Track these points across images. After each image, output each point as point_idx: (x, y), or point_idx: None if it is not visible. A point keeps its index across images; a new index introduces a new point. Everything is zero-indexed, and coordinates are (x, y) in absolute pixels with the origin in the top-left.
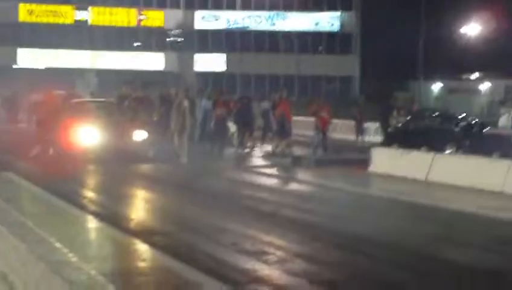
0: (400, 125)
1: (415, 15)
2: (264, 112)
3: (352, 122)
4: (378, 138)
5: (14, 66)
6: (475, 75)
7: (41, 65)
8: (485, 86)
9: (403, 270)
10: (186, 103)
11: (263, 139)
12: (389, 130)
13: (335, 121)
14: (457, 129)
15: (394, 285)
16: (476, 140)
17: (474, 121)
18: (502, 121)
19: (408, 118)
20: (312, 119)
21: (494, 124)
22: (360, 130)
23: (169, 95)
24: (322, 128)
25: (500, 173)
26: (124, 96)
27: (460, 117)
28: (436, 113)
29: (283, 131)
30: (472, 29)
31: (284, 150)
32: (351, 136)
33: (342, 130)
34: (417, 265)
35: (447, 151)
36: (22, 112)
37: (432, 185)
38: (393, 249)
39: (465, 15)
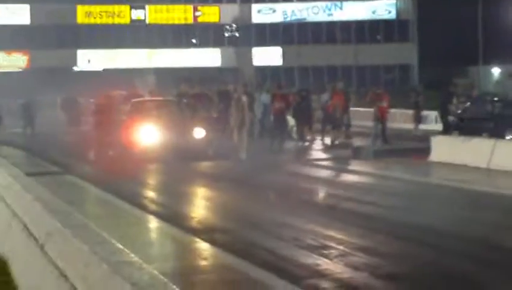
0: (460, 112)
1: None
2: (324, 104)
3: (410, 112)
4: (438, 126)
5: (75, 69)
6: None
7: (99, 67)
8: None
9: (467, 260)
10: (244, 99)
11: (323, 132)
12: (450, 117)
13: (393, 110)
14: None
15: (459, 276)
16: None
17: None
18: None
19: (468, 104)
20: (371, 109)
21: None
22: (419, 119)
23: (228, 91)
24: (381, 118)
25: None
26: (182, 94)
27: None
28: (496, 98)
29: (340, 123)
30: None
31: (343, 142)
32: (410, 126)
33: (401, 119)
34: (482, 255)
35: (508, 137)
36: (83, 115)
37: (494, 172)
38: (457, 239)
39: None
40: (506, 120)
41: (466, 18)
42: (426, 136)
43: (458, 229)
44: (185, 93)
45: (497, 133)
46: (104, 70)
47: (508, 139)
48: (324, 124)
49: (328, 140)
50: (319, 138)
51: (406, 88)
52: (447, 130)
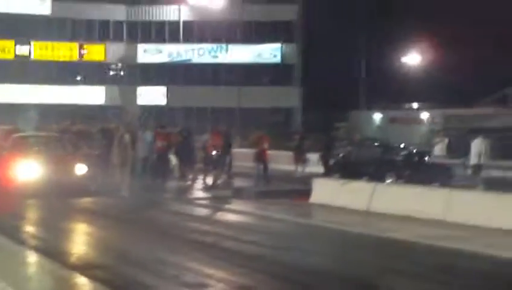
0: (341, 155)
1: (356, 46)
2: (204, 144)
3: (291, 154)
4: (320, 169)
5: None
6: (415, 105)
7: None
8: (425, 115)
9: None
10: (127, 137)
11: (205, 171)
12: (331, 160)
13: (276, 152)
14: (398, 159)
15: None
16: (416, 169)
17: (414, 151)
18: (437, 150)
19: (349, 148)
20: (253, 150)
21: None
22: (303, 161)
23: (111, 129)
24: (263, 159)
25: (441, 202)
26: (64, 130)
27: (401, 147)
28: (377, 143)
29: (220, 163)
30: (411, 59)
31: (224, 182)
32: (292, 167)
33: (283, 161)
34: None
35: (388, 181)
36: None
37: (374, 215)
38: (336, 280)
39: (404, 46)
40: (386, 164)
41: (349, 64)
42: (308, 178)
43: (336, 269)
44: (67, 129)
45: (377, 177)
46: None
47: (387, 183)
48: (205, 164)
49: (209, 180)
50: (200, 177)
51: (289, 131)
52: (328, 172)
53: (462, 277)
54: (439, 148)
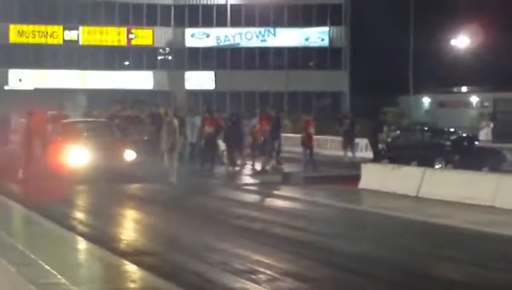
0: (390, 140)
1: (404, 29)
2: (252, 129)
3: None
4: (368, 154)
5: (6, 88)
6: (464, 88)
7: (30, 86)
8: (474, 99)
9: (391, 287)
10: (176, 122)
11: (253, 157)
12: (380, 146)
13: (324, 137)
14: (447, 143)
15: None
16: (466, 154)
17: (464, 135)
18: (482, 134)
19: (398, 132)
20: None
21: None
22: (350, 146)
23: (159, 114)
24: (309, 144)
25: (490, 187)
26: (113, 116)
27: (450, 131)
28: (426, 127)
29: (268, 148)
30: (461, 42)
31: (273, 167)
32: (341, 152)
33: (332, 146)
34: (407, 282)
35: (437, 166)
36: (12, 133)
37: (423, 201)
38: (382, 265)
39: (453, 28)
40: (435, 149)
41: (398, 48)
42: (357, 164)
43: (384, 256)
44: (116, 114)
45: (426, 162)
46: (35, 89)
47: (437, 169)
48: (253, 149)
49: (258, 165)
50: (249, 163)
51: (338, 115)
52: (377, 158)
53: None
54: (484, 133)
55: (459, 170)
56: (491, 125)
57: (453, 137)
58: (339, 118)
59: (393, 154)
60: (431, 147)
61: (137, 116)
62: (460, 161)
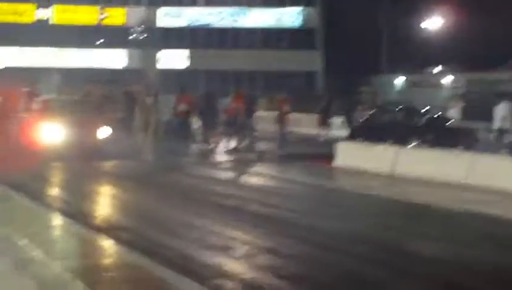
0: (364, 119)
1: (378, 10)
2: (225, 107)
3: (315, 116)
4: (343, 132)
5: None
6: (437, 69)
7: (1, 65)
8: (447, 79)
9: (365, 262)
10: (150, 100)
11: (227, 135)
12: (354, 124)
13: (299, 115)
14: (421, 123)
15: (358, 277)
16: (440, 133)
17: (437, 115)
18: (451, 114)
19: (371, 112)
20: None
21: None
22: (325, 124)
23: (134, 92)
24: (284, 122)
25: (464, 165)
26: (88, 94)
27: (423, 111)
28: (400, 107)
29: (242, 126)
30: (434, 22)
31: (247, 145)
32: (315, 130)
33: (305, 124)
34: (380, 258)
35: (411, 145)
36: None
37: (397, 179)
38: (355, 241)
39: (427, 9)
40: (409, 128)
41: (371, 28)
42: (332, 142)
43: (358, 233)
44: (90, 92)
45: (400, 141)
46: (6, 68)
47: (411, 147)
48: (227, 127)
49: (232, 143)
50: (223, 140)
51: (313, 94)
52: (352, 136)
53: (482, 239)
54: (453, 112)
55: (434, 148)
56: (461, 105)
57: (427, 116)
58: (314, 97)
59: (367, 133)
60: (405, 127)
61: (112, 95)
62: (434, 140)
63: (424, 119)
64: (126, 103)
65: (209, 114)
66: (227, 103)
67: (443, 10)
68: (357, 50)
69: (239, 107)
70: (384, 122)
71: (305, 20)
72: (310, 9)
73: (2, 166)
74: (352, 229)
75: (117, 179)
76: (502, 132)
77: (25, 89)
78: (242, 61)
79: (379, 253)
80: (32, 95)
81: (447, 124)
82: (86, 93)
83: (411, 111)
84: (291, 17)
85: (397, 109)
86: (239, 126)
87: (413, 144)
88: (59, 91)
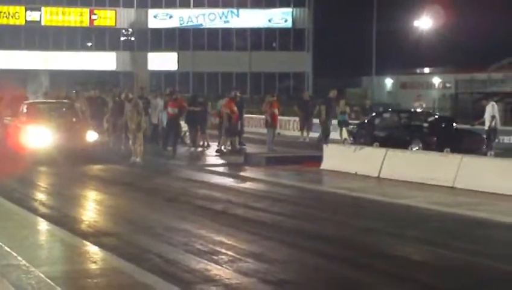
0: (365, 121)
1: (367, 10)
2: (216, 110)
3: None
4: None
5: None
6: (427, 69)
7: None
8: (436, 80)
9: (352, 267)
10: (140, 103)
11: (219, 138)
12: (351, 127)
13: (288, 118)
14: (425, 125)
15: (344, 281)
16: (444, 136)
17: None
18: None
19: (373, 114)
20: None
21: None
22: (307, 126)
23: (123, 95)
24: (273, 124)
25: (451, 168)
26: (75, 97)
27: (426, 113)
28: (390, 109)
29: (232, 129)
30: (423, 23)
31: (236, 148)
32: (304, 133)
33: (294, 126)
34: (368, 262)
35: (414, 148)
36: None
37: (385, 181)
38: (342, 245)
39: (416, 10)
40: (412, 131)
41: (360, 29)
42: (319, 144)
43: (346, 236)
44: (79, 95)
45: (404, 144)
46: None
47: (399, 150)
48: (220, 130)
49: (220, 146)
50: (212, 144)
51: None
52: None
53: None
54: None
55: (421, 151)
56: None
57: (430, 119)
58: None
59: (368, 136)
60: (408, 129)
61: (101, 97)
62: (439, 144)
63: (427, 122)
64: (115, 106)
65: (198, 117)
66: (218, 105)
67: (433, 10)
68: (347, 51)
69: (232, 111)
70: (385, 125)
71: (295, 21)
72: (300, 10)
73: None
74: (338, 233)
75: (104, 183)
76: (492, 131)
77: (13, 93)
78: (232, 62)
79: (365, 257)
80: (20, 98)
81: (452, 126)
82: (74, 96)
83: (413, 113)
84: (281, 18)
85: (400, 111)
86: (228, 129)
87: (416, 147)
88: (46, 94)
